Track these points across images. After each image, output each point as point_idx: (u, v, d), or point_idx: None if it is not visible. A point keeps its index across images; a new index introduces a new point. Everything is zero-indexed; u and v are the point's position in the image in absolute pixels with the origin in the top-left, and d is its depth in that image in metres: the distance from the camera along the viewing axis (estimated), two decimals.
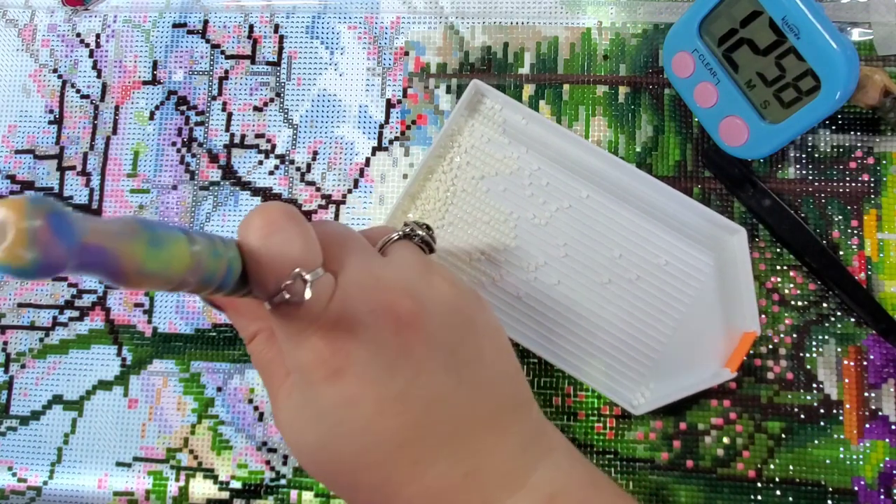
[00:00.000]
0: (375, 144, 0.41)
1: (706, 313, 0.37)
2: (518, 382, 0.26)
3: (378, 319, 0.22)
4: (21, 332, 0.42)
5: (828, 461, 0.36)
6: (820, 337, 0.37)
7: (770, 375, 0.37)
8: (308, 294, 0.20)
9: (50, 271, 0.14)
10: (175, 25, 0.44)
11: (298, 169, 0.42)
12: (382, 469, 0.23)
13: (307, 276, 0.20)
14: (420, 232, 0.28)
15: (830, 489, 0.36)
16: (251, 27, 0.43)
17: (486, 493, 0.23)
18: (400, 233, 0.27)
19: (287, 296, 0.20)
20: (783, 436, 0.36)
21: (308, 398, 0.23)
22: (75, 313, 0.42)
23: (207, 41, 0.44)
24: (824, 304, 0.37)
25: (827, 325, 0.37)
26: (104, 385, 0.41)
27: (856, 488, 0.36)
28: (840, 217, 0.38)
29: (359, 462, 0.23)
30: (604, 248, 0.38)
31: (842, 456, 0.36)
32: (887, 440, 0.36)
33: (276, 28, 0.43)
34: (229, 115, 0.43)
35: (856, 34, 0.39)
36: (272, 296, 0.21)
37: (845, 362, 0.37)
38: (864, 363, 0.37)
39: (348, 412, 0.22)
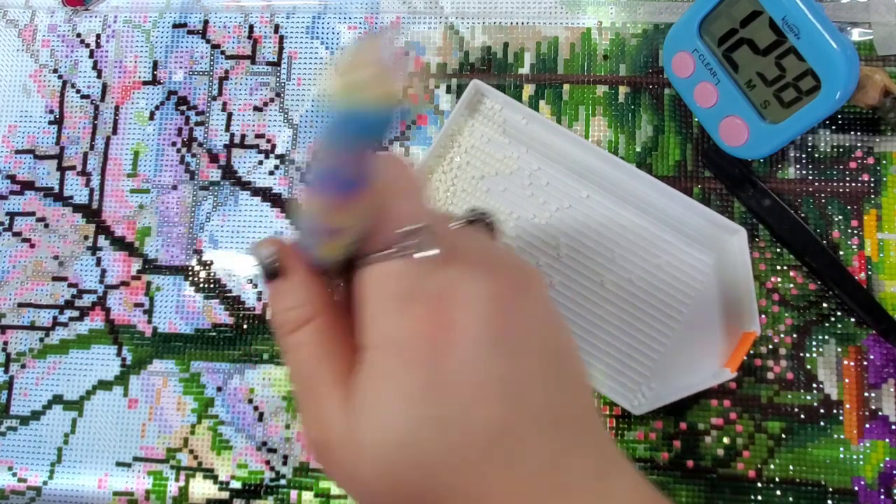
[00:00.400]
0: None
1: (706, 313, 0.37)
2: (589, 382, 0.24)
3: (483, 292, 0.19)
4: (21, 332, 0.42)
5: (828, 461, 0.36)
6: (820, 337, 0.37)
7: (770, 375, 0.37)
8: (434, 250, 0.19)
9: (382, 128, 0.14)
10: (175, 26, 0.44)
11: (298, 169, 0.42)
12: (475, 470, 0.19)
13: (429, 231, 0.19)
14: (487, 219, 0.25)
15: (830, 489, 0.36)
16: (251, 27, 0.43)
17: (574, 498, 0.21)
18: (469, 218, 0.25)
19: (408, 245, 0.18)
20: (783, 436, 0.36)
21: (396, 382, 0.19)
22: (75, 313, 0.42)
23: (207, 41, 0.44)
24: (824, 304, 0.37)
25: (827, 325, 0.37)
26: (104, 385, 0.41)
27: (856, 488, 0.36)
28: (840, 217, 0.38)
29: (449, 462, 0.19)
30: (604, 248, 0.38)
31: (842, 456, 0.36)
32: (887, 440, 0.36)
33: (277, 28, 0.43)
34: (229, 115, 0.43)
35: (856, 34, 0.39)
36: (386, 248, 0.19)
37: (845, 362, 0.37)
38: (864, 363, 0.37)
39: (443, 398, 0.19)
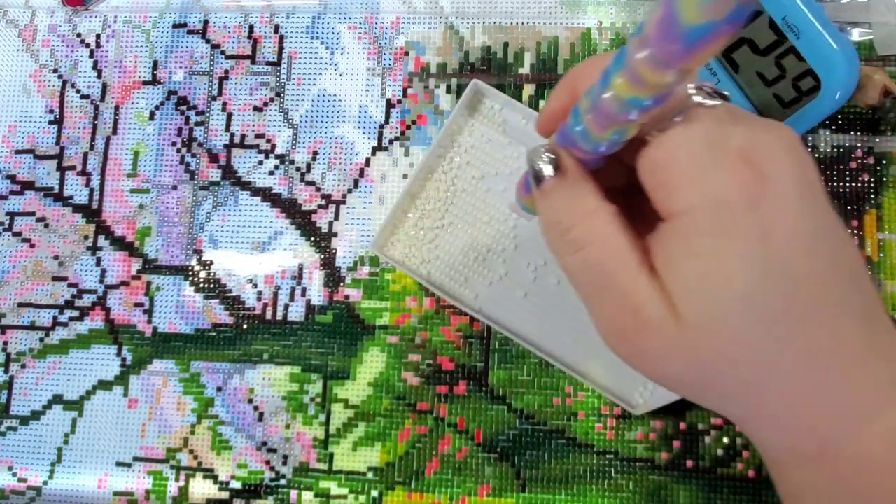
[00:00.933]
0: (375, 144, 0.41)
1: None
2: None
3: (784, 146, 0.19)
4: (21, 332, 0.42)
5: None
6: None
7: None
8: (724, 98, 0.19)
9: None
10: (175, 26, 0.44)
11: (298, 169, 0.42)
12: (804, 321, 0.19)
13: (711, 87, 0.19)
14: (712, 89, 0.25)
15: None
16: (251, 27, 0.43)
17: (865, 388, 0.20)
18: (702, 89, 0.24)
19: (701, 99, 0.19)
20: None
21: (726, 240, 0.18)
22: (75, 313, 0.42)
23: (207, 41, 0.44)
24: None
25: None
26: (104, 385, 0.41)
27: None
28: (840, 217, 0.38)
29: (786, 312, 0.19)
30: None
31: None
32: None
33: (277, 28, 0.43)
34: (229, 115, 0.43)
35: (856, 34, 0.39)
36: (675, 108, 0.19)
37: None
38: None
39: (772, 250, 0.18)
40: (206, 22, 0.44)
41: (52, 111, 0.44)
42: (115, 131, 0.43)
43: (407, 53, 0.42)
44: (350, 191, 0.41)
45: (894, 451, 0.19)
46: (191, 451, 0.40)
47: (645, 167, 0.20)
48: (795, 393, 0.19)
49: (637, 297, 0.19)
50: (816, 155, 0.39)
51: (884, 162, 0.38)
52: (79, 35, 0.45)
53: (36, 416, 0.41)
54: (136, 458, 0.40)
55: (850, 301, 0.19)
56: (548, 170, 0.21)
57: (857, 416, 0.19)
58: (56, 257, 0.43)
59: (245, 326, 0.41)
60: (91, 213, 0.43)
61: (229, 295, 0.41)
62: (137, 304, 0.42)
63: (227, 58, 0.43)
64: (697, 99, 0.19)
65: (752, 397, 0.20)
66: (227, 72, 0.43)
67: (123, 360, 0.41)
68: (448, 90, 0.41)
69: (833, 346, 0.19)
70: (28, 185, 0.43)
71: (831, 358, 0.19)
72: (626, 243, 0.20)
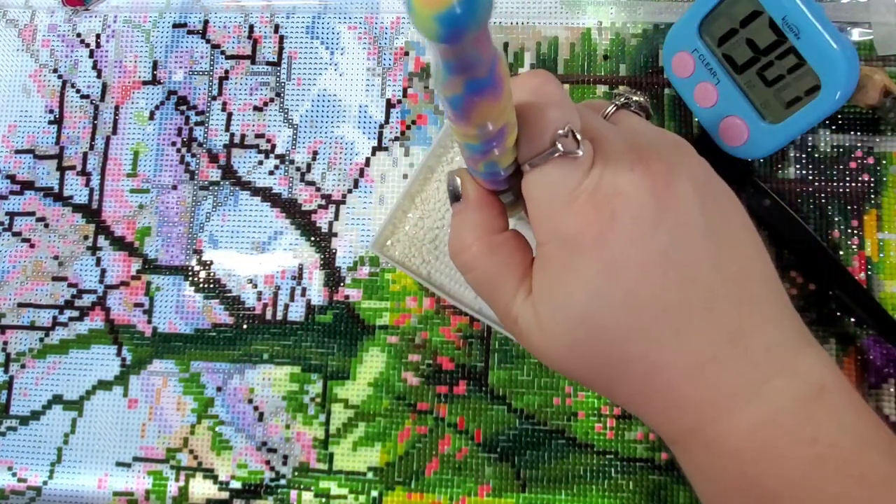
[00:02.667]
0: (375, 144, 0.41)
1: None
2: (765, 254, 0.25)
3: (637, 181, 0.21)
4: (21, 332, 0.42)
5: None
6: (820, 337, 0.37)
7: None
8: (583, 149, 0.21)
9: (457, 34, 0.14)
10: (175, 25, 0.44)
11: (298, 169, 0.42)
12: (645, 338, 0.22)
13: (577, 132, 0.21)
14: (635, 98, 0.27)
15: None
16: (251, 27, 0.43)
17: (751, 368, 0.22)
18: (617, 103, 0.27)
19: (561, 149, 0.20)
20: None
21: (568, 270, 0.22)
22: (75, 313, 0.42)
23: (207, 41, 0.44)
24: (824, 305, 0.37)
25: (827, 325, 0.37)
26: (104, 385, 0.41)
27: None
28: (840, 217, 0.38)
29: (621, 333, 0.22)
30: None
31: None
32: None
33: (277, 28, 0.43)
34: (229, 115, 0.43)
35: (856, 34, 0.39)
36: (540, 153, 0.21)
37: (845, 362, 0.37)
38: (864, 363, 0.37)
39: (612, 277, 0.21)
40: (206, 22, 0.44)
41: (51, 111, 0.44)
42: (115, 131, 0.43)
43: (407, 53, 0.42)
44: (350, 191, 0.41)
45: (749, 440, 0.22)
46: (191, 451, 0.40)
47: (523, 194, 0.23)
48: (647, 398, 0.23)
49: (513, 311, 0.24)
50: (816, 155, 0.39)
51: (884, 162, 0.38)
52: (79, 35, 0.45)
53: (36, 416, 0.41)
54: (136, 458, 0.40)
55: (704, 321, 0.22)
56: (451, 194, 0.25)
57: (715, 412, 0.22)
58: (56, 257, 0.42)
59: (245, 326, 0.41)
60: (91, 213, 0.43)
61: (229, 295, 0.41)
62: (137, 304, 0.42)
63: (227, 58, 0.43)
64: (561, 147, 0.21)
65: (614, 397, 0.24)
66: (227, 72, 0.43)
67: (123, 360, 0.41)
68: None
69: (679, 359, 0.22)
70: (28, 185, 0.43)
71: (677, 369, 0.22)
72: (504, 272, 0.24)
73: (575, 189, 0.21)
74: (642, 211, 0.21)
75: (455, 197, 0.25)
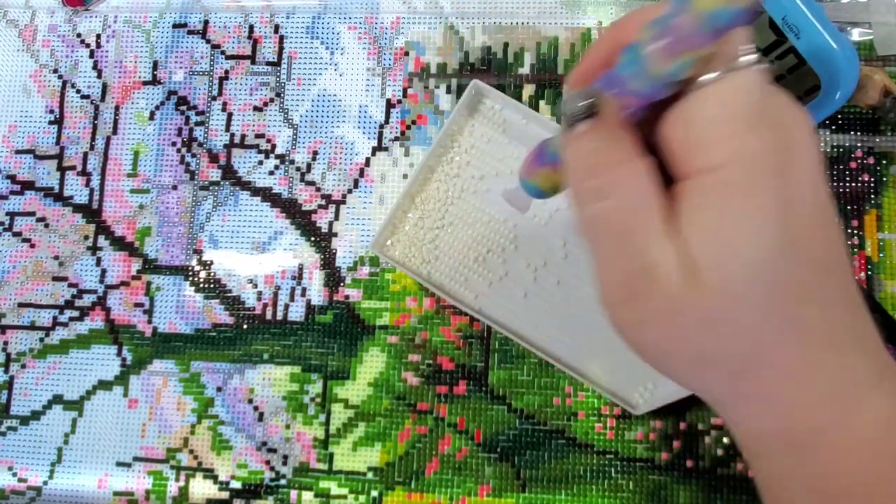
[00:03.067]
0: (375, 144, 0.41)
1: None
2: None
3: (803, 120, 0.19)
4: (21, 332, 0.42)
5: None
6: None
7: None
8: (765, 63, 0.18)
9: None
10: (175, 26, 0.44)
11: (298, 169, 0.42)
12: (805, 295, 0.19)
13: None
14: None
15: None
16: (251, 27, 0.43)
17: (870, 354, 0.20)
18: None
19: (746, 55, 0.18)
20: None
21: (750, 199, 0.18)
22: (75, 313, 0.42)
23: (207, 41, 0.44)
24: None
25: None
26: (104, 385, 0.41)
27: None
28: (840, 217, 0.38)
29: (792, 281, 0.18)
30: None
31: None
32: None
33: (277, 28, 0.43)
34: (229, 115, 0.43)
35: (856, 34, 0.39)
36: (730, 60, 0.18)
37: None
38: None
39: (792, 217, 0.18)
40: (206, 22, 0.44)
41: (52, 111, 0.44)
42: (115, 131, 0.43)
43: (407, 53, 0.42)
44: (350, 191, 0.41)
45: (882, 436, 0.19)
46: (191, 451, 0.40)
47: (675, 122, 0.20)
48: (788, 374, 0.19)
49: (653, 255, 0.19)
50: None
51: (884, 162, 0.38)
52: (79, 35, 0.45)
53: (36, 416, 0.41)
54: (136, 458, 0.40)
55: (845, 287, 0.19)
56: (585, 112, 0.20)
57: (846, 403, 0.19)
58: (56, 257, 0.43)
59: (245, 326, 0.41)
60: (91, 213, 0.43)
61: (229, 295, 0.41)
62: (137, 304, 0.42)
63: (227, 58, 0.43)
64: (744, 59, 0.18)
65: (746, 373, 0.19)
66: (227, 72, 0.43)
67: (123, 360, 0.41)
68: (448, 90, 0.41)
69: (827, 332, 0.19)
70: (28, 185, 0.43)
71: (825, 343, 0.19)
72: (655, 198, 0.19)
73: (761, 109, 0.18)
74: (814, 154, 0.19)
75: (577, 118, 0.20)
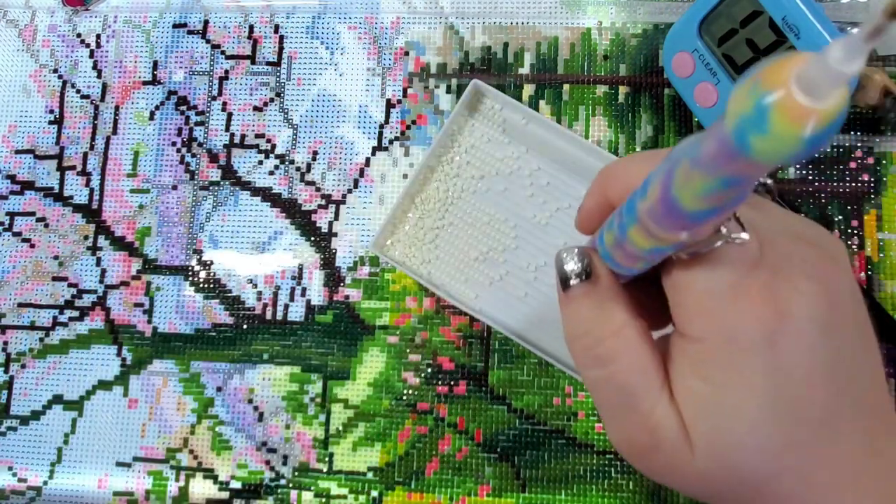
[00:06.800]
0: (375, 144, 0.41)
1: None
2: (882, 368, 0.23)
3: (815, 278, 0.19)
4: (21, 332, 0.42)
5: None
6: None
7: None
8: (746, 235, 0.18)
9: (814, 151, 0.12)
10: (175, 26, 0.44)
11: (298, 169, 0.42)
12: (804, 450, 0.19)
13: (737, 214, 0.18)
14: (762, 179, 0.24)
15: None
16: (251, 27, 0.43)
17: (893, 475, 0.20)
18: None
19: (726, 233, 0.18)
20: None
21: (733, 373, 0.19)
22: (75, 313, 0.42)
23: (207, 41, 0.44)
24: None
25: None
26: (104, 385, 0.41)
27: None
28: (840, 217, 0.38)
29: (786, 443, 0.19)
30: None
31: None
32: None
33: (277, 28, 0.43)
34: (229, 115, 0.43)
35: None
36: (703, 239, 0.18)
37: None
38: None
39: (779, 385, 0.19)
40: (206, 22, 0.44)
41: (52, 111, 0.44)
42: (115, 131, 0.43)
43: (407, 53, 0.42)
44: (350, 191, 0.41)
45: None
46: (191, 451, 0.40)
47: (667, 282, 0.20)
48: None
49: (655, 418, 0.20)
50: (816, 155, 0.39)
51: (884, 162, 0.38)
52: (79, 35, 0.45)
53: (36, 416, 0.41)
54: (136, 458, 0.40)
55: (854, 430, 0.20)
56: (578, 274, 0.21)
57: None
58: (56, 257, 0.43)
59: (245, 326, 0.41)
60: (91, 213, 0.43)
61: (229, 295, 0.41)
62: (137, 304, 0.42)
63: (227, 58, 0.43)
64: (727, 234, 0.18)
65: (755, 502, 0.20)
66: (227, 72, 0.43)
67: (123, 360, 0.41)
68: (448, 90, 0.41)
69: (831, 474, 0.19)
70: (28, 185, 0.43)
71: (829, 484, 0.20)
72: (652, 364, 0.20)
73: (743, 279, 0.19)
74: (818, 314, 0.19)
75: (569, 280, 0.21)
